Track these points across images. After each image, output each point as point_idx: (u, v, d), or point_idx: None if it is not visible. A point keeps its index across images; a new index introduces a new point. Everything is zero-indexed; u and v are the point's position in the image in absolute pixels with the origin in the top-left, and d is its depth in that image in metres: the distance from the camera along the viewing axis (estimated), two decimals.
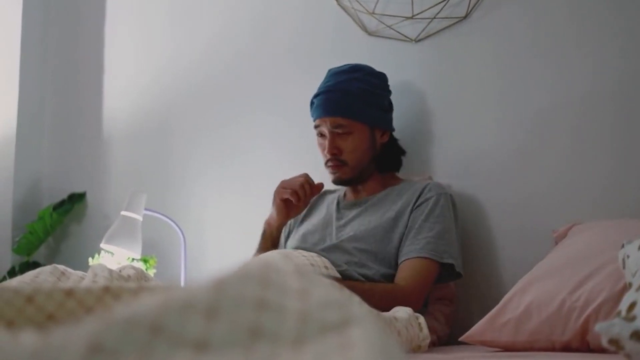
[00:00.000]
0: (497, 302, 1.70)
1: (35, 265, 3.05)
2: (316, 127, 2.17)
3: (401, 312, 1.41)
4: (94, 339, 0.47)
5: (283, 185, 2.11)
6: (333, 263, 1.85)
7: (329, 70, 2.22)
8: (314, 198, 2.23)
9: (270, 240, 2.17)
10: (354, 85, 2.12)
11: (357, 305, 0.54)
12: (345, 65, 2.21)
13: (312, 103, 2.19)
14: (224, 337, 0.49)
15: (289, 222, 2.26)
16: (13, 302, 0.75)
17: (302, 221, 2.25)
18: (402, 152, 2.27)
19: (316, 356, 0.48)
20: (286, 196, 2.08)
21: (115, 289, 0.81)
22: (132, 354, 0.47)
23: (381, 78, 2.22)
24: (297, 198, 2.07)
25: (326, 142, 2.13)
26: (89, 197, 3.20)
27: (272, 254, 1.54)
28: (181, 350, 0.48)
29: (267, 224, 2.18)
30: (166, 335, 0.48)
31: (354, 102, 2.11)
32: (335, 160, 2.13)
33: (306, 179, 2.09)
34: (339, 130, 2.11)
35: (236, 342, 0.50)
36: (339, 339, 0.50)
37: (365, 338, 0.49)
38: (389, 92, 2.24)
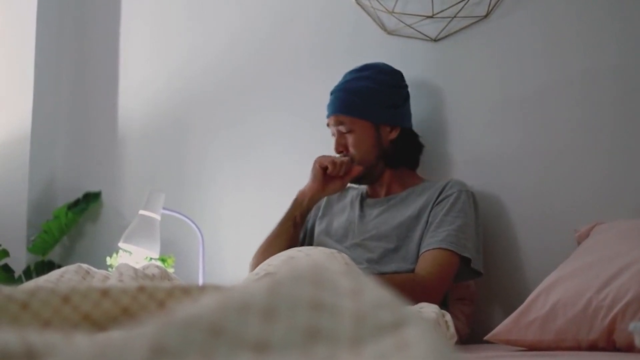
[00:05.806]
0: (517, 302, 1.70)
1: (50, 264, 3.06)
2: (328, 125, 2.23)
3: (428, 310, 1.39)
4: (157, 341, 0.46)
5: (323, 155, 2.19)
6: (354, 261, 1.85)
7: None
8: (338, 194, 2.26)
9: (299, 209, 2.18)
10: (358, 84, 2.17)
11: (406, 306, 0.54)
12: (361, 65, 2.24)
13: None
14: (282, 339, 0.49)
15: (311, 217, 2.26)
16: (49, 302, 0.75)
17: (325, 215, 2.25)
18: (419, 147, 2.25)
19: (375, 357, 0.48)
20: (325, 164, 2.14)
21: (150, 288, 0.81)
22: (194, 356, 0.46)
23: (393, 75, 2.23)
24: (333, 168, 2.12)
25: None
26: (104, 196, 3.20)
27: (315, 251, 1.54)
28: (242, 352, 0.48)
29: (301, 192, 2.21)
30: (226, 336, 0.48)
31: (354, 100, 2.15)
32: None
33: (348, 159, 2.15)
34: (342, 128, 2.16)
35: (294, 343, 0.49)
36: (395, 339, 0.50)
37: (421, 338, 0.49)
38: (403, 87, 2.24)
